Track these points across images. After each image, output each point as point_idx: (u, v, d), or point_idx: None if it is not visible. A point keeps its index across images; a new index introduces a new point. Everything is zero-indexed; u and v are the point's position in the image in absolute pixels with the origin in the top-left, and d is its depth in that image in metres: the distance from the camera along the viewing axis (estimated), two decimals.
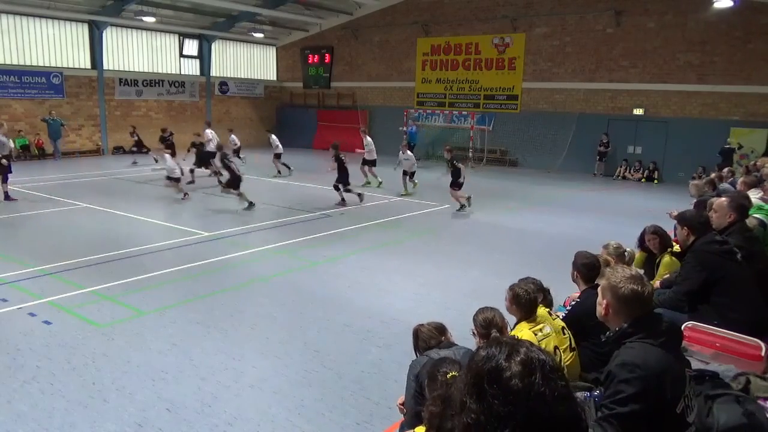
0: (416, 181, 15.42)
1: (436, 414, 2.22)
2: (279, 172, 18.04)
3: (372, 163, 16.44)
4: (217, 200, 13.68)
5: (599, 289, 2.64)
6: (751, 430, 2.42)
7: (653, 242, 5.43)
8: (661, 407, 2.20)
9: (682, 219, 4.66)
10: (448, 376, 2.53)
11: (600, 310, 2.60)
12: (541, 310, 3.67)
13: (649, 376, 2.20)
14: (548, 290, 3.94)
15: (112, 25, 22.68)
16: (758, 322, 3.87)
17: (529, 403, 1.21)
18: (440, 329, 3.39)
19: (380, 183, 16.06)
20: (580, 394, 2.79)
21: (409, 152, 15.19)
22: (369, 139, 16.65)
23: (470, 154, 22.56)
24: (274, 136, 18.15)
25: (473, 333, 3.42)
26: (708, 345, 3.64)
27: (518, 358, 1.27)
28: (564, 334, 3.67)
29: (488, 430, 1.23)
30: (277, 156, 18.09)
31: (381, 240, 10.07)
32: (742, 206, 4.84)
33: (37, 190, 14.16)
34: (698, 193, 8.75)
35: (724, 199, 5.01)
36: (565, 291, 4.88)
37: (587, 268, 4.13)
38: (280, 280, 7.78)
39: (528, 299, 3.51)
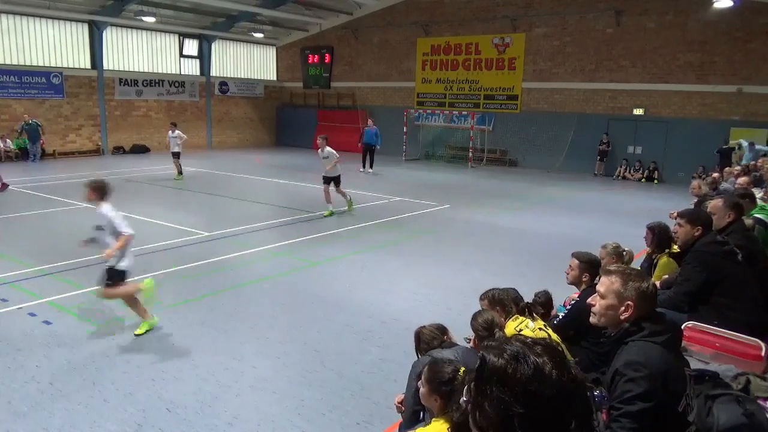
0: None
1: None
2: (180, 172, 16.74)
3: (329, 181, 12.08)
4: (218, 200, 13.68)
5: (611, 292, 2.52)
6: (751, 430, 2.42)
7: (648, 237, 5.30)
8: (664, 405, 2.21)
9: (695, 218, 4.57)
10: (460, 372, 2.51)
11: (619, 314, 2.47)
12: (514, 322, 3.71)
13: (653, 375, 2.20)
14: (528, 302, 4.09)
15: (112, 25, 22.68)
16: (758, 322, 3.86)
17: (574, 388, 1.23)
18: (442, 330, 3.41)
19: (332, 213, 12.01)
20: None
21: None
22: (328, 149, 11.99)
23: (470, 154, 22.59)
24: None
25: (469, 339, 3.42)
26: (708, 345, 3.63)
27: (538, 348, 1.26)
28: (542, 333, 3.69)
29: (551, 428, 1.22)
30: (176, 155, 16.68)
31: (381, 240, 10.06)
32: (738, 204, 4.83)
33: (37, 190, 14.15)
34: (699, 193, 8.75)
35: (719, 199, 4.99)
36: (565, 291, 4.87)
37: (592, 265, 4.17)
38: (280, 280, 7.78)
39: (501, 299, 3.80)
